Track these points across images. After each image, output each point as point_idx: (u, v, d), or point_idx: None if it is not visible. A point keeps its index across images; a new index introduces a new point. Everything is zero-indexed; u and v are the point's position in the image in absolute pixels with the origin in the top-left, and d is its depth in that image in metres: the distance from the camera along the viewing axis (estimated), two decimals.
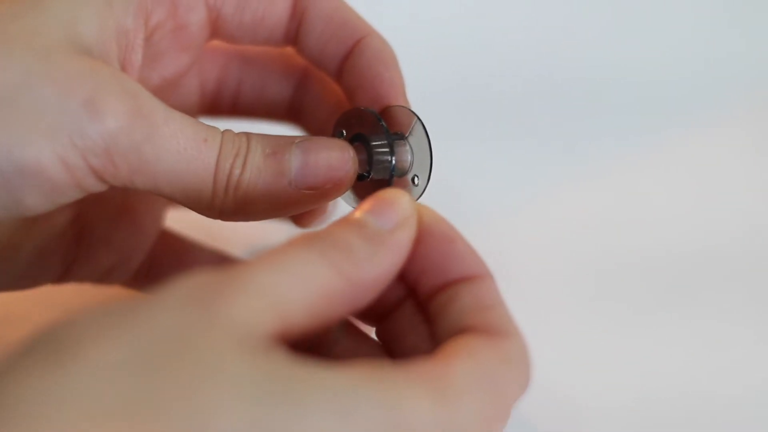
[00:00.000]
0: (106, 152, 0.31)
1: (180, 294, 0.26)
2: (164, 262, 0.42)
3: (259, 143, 0.34)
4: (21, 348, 0.25)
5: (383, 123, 0.36)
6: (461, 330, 0.29)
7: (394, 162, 0.35)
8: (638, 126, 0.60)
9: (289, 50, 0.39)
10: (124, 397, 0.23)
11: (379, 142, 0.35)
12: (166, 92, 0.39)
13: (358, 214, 0.30)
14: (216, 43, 0.40)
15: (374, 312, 0.32)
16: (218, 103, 0.42)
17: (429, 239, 0.30)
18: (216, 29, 0.38)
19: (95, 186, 0.32)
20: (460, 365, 0.27)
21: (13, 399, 0.23)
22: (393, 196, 0.30)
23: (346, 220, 0.30)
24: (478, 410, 0.27)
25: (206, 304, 0.25)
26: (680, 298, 0.46)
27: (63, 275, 0.40)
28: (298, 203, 0.34)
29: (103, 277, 0.41)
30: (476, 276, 0.30)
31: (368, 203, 0.30)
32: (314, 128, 0.41)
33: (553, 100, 0.62)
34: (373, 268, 0.29)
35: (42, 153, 0.30)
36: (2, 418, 0.22)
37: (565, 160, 0.57)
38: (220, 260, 0.43)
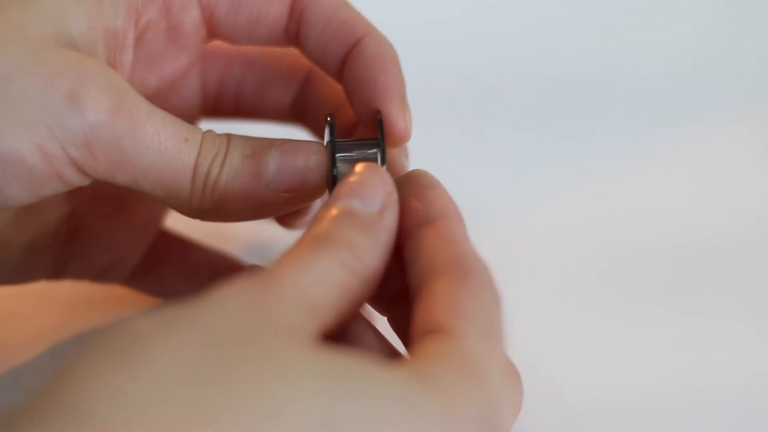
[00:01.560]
0: (86, 144, 0.32)
1: (231, 295, 0.26)
2: (162, 261, 0.42)
3: (238, 145, 0.34)
4: (77, 347, 0.25)
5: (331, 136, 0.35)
6: (429, 272, 0.30)
7: (335, 173, 0.34)
8: (640, 124, 0.60)
9: (293, 50, 0.39)
10: (196, 397, 0.23)
11: (345, 154, 0.35)
12: (165, 93, 0.39)
13: (343, 201, 0.30)
14: (217, 44, 0.40)
15: (383, 299, 0.32)
16: (220, 105, 0.42)
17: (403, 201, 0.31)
18: (212, 29, 0.38)
19: (76, 178, 0.33)
20: (470, 340, 0.27)
21: (85, 403, 0.23)
22: (370, 176, 0.31)
23: (337, 212, 0.30)
24: (500, 372, 0.28)
25: (258, 305, 0.26)
26: (682, 295, 0.46)
27: (57, 272, 0.40)
28: (275, 206, 0.35)
29: (99, 276, 0.41)
30: (441, 218, 0.31)
31: (348, 186, 0.31)
32: (318, 129, 0.41)
33: (554, 99, 0.62)
34: (375, 258, 0.30)
35: (21, 142, 0.31)
36: (78, 423, 0.22)
37: (565, 158, 0.57)
38: (219, 260, 0.43)
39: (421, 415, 0.25)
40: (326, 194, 0.35)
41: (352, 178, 0.31)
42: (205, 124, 0.40)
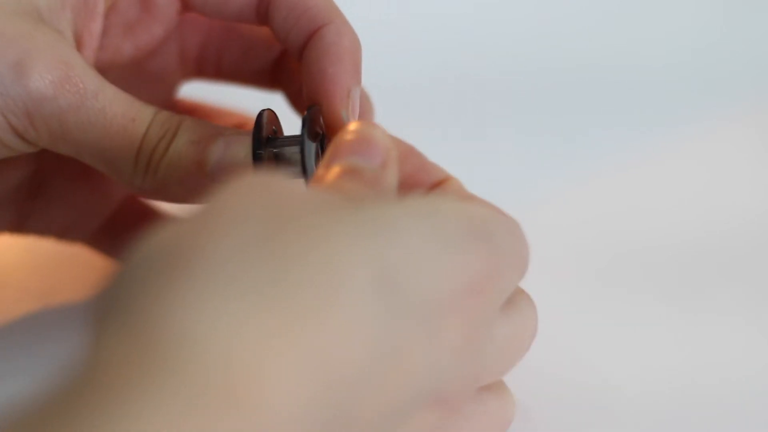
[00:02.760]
0: (26, 114, 0.33)
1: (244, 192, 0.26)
2: (126, 225, 0.42)
3: (187, 130, 0.34)
4: (127, 267, 0.25)
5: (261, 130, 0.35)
6: None
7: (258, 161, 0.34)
8: (640, 122, 0.60)
9: None
10: (265, 281, 0.23)
11: (274, 149, 0.34)
12: (140, 59, 0.40)
13: (345, 158, 0.30)
14: None
15: None
16: (202, 68, 0.42)
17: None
18: (186, 3, 0.38)
19: (19, 145, 0.34)
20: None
21: (153, 310, 0.23)
22: (367, 133, 0.31)
23: (340, 169, 0.30)
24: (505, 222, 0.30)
25: (275, 201, 0.26)
26: (684, 293, 0.46)
27: (18, 226, 0.41)
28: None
29: (60, 234, 0.42)
30: (444, 179, 0.33)
31: (348, 144, 0.30)
32: (296, 97, 0.41)
33: (554, 98, 0.62)
34: None
35: None
36: (153, 336, 0.22)
37: (566, 156, 0.57)
38: None
39: (441, 222, 0.27)
40: None
41: (349, 136, 0.31)
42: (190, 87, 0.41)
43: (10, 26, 0.33)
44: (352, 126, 0.31)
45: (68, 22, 0.35)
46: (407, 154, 0.33)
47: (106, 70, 0.38)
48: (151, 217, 0.43)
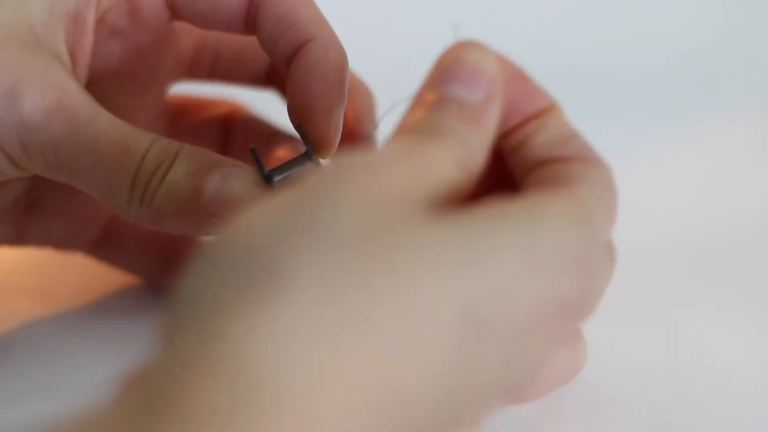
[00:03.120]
0: (20, 142, 0.32)
1: (338, 195, 0.25)
2: (124, 232, 0.42)
3: (185, 159, 0.33)
4: (207, 264, 0.24)
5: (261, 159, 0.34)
6: (549, 160, 0.30)
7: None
8: (640, 122, 0.60)
9: None
10: (343, 310, 0.23)
11: (282, 176, 0.34)
12: (131, 64, 0.39)
13: (447, 86, 0.28)
14: None
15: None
16: (195, 70, 0.42)
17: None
18: (175, 13, 0.37)
19: (14, 171, 0.33)
20: (586, 189, 0.28)
21: (237, 331, 0.22)
22: (474, 57, 0.28)
23: (440, 99, 0.28)
24: (605, 233, 0.29)
25: (369, 210, 0.25)
26: (684, 292, 0.46)
27: (17, 239, 0.40)
28: (210, 227, 0.34)
29: (58, 244, 0.41)
30: (546, 108, 0.31)
31: (451, 69, 0.28)
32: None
33: (556, 97, 0.62)
34: (482, 154, 0.28)
35: None
36: (241, 369, 0.22)
37: None
38: (179, 234, 0.43)
39: (537, 254, 0.26)
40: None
41: (456, 59, 0.28)
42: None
43: (2, 52, 0.32)
44: (460, 46, 0.29)
45: (63, 39, 0.34)
46: (514, 78, 0.30)
47: (98, 78, 0.38)
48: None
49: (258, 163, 0.33)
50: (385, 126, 0.41)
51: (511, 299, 0.25)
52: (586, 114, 0.60)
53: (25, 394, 0.38)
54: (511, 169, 0.31)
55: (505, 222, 0.26)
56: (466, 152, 0.27)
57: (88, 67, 0.36)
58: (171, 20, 0.38)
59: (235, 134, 0.45)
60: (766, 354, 0.42)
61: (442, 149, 0.27)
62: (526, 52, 0.64)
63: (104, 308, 0.43)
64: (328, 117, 0.35)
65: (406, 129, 0.28)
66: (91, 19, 0.35)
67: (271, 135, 0.44)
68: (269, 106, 0.45)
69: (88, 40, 0.36)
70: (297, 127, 0.35)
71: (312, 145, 0.34)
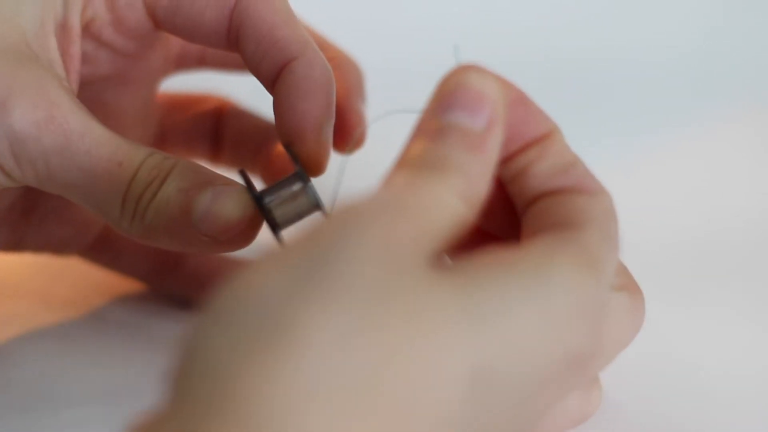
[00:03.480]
0: (11, 154, 0.32)
1: (353, 244, 0.25)
2: (119, 235, 0.41)
3: (178, 176, 0.33)
4: (218, 322, 0.24)
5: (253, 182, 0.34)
6: (550, 192, 0.29)
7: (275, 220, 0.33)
8: (640, 122, 0.60)
9: None
10: (359, 375, 0.23)
11: (272, 197, 0.33)
12: (122, 70, 0.39)
13: (448, 114, 0.28)
14: None
15: None
16: (183, 63, 0.42)
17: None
18: (157, 25, 0.37)
19: (5, 182, 0.33)
20: (591, 232, 0.28)
21: (258, 406, 0.22)
22: (477, 83, 0.28)
23: (442, 127, 0.28)
24: (612, 271, 0.29)
25: (384, 254, 0.25)
26: (684, 291, 0.46)
27: (14, 245, 0.40)
28: (200, 245, 0.33)
29: (57, 248, 0.41)
30: (547, 134, 0.30)
31: (453, 95, 0.28)
32: None
33: (553, 97, 0.61)
34: (485, 182, 0.28)
35: None
36: (244, 416, 0.22)
37: None
38: None
39: (551, 308, 0.26)
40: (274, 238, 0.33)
41: (456, 84, 0.28)
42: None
43: None
44: (461, 71, 0.28)
45: (55, 48, 0.34)
46: (515, 102, 0.29)
47: (88, 83, 0.38)
48: None
49: (248, 185, 0.33)
50: (374, 132, 0.41)
51: (522, 355, 0.25)
52: (586, 114, 0.60)
53: (24, 399, 0.38)
54: (511, 196, 0.31)
55: (514, 277, 0.26)
56: (470, 184, 0.27)
57: (78, 72, 0.36)
58: (155, 30, 0.38)
59: (226, 128, 0.45)
60: (766, 354, 0.42)
61: (447, 185, 0.27)
62: (526, 52, 0.65)
63: (103, 312, 0.43)
64: (316, 135, 0.34)
65: (410, 163, 0.27)
66: (77, 26, 0.35)
67: (261, 128, 0.44)
68: (258, 97, 0.46)
69: (75, 48, 0.36)
70: (286, 147, 0.35)
71: (302, 164, 0.34)
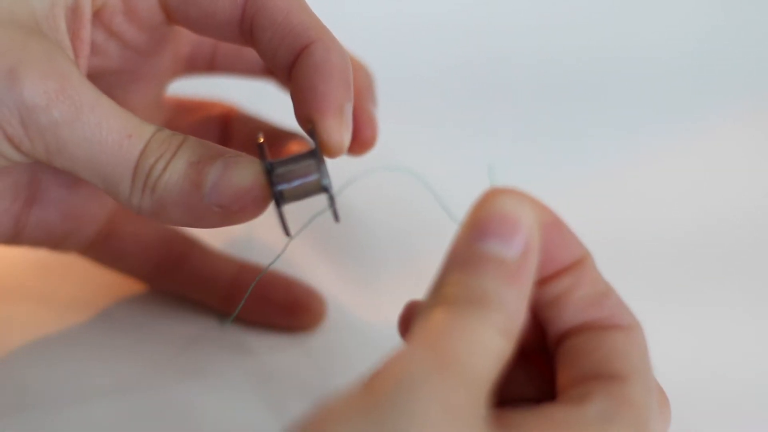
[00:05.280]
0: (21, 124, 0.32)
1: (407, 402, 0.25)
2: (121, 233, 0.42)
3: (188, 150, 0.33)
4: None
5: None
6: (585, 326, 0.29)
7: (277, 190, 0.33)
8: (640, 121, 0.60)
9: None
10: None
11: (282, 169, 0.33)
12: (132, 64, 0.39)
13: (485, 244, 0.27)
14: None
15: None
16: (193, 65, 0.42)
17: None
18: (170, 17, 0.37)
19: (15, 155, 0.33)
20: (637, 387, 0.28)
21: None
22: (512, 209, 0.28)
23: (480, 260, 0.27)
24: (656, 416, 0.29)
25: (437, 411, 0.25)
26: (684, 289, 0.46)
27: (14, 237, 0.40)
28: (211, 218, 0.33)
29: (56, 244, 0.41)
30: (580, 260, 0.30)
31: (489, 223, 0.28)
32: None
33: (553, 98, 0.62)
34: (522, 311, 0.28)
35: None
36: None
37: (565, 155, 0.57)
38: (174, 236, 0.43)
39: None
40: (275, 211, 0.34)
41: (490, 210, 0.28)
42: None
43: (3, 35, 0.32)
44: (495, 195, 0.28)
45: (64, 29, 0.34)
46: (549, 226, 0.29)
47: (98, 76, 0.38)
48: (143, 224, 0.42)
49: (262, 154, 0.33)
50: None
51: None
52: (586, 113, 0.60)
53: (25, 399, 0.38)
54: (542, 321, 0.31)
55: None
56: (509, 318, 0.27)
57: (87, 58, 0.36)
58: (167, 23, 0.38)
59: (234, 132, 0.45)
60: (766, 354, 0.42)
61: (489, 323, 0.27)
62: (526, 52, 0.65)
63: (105, 312, 0.43)
64: (338, 114, 0.34)
65: (448, 300, 0.27)
66: (88, 10, 0.35)
67: (269, 132, 0.44)
68: (265, 103, 0.46)
69: (86, 32, 0.35)
70: (305, 127, 0.34)
71: (321, 144, 0.34)
